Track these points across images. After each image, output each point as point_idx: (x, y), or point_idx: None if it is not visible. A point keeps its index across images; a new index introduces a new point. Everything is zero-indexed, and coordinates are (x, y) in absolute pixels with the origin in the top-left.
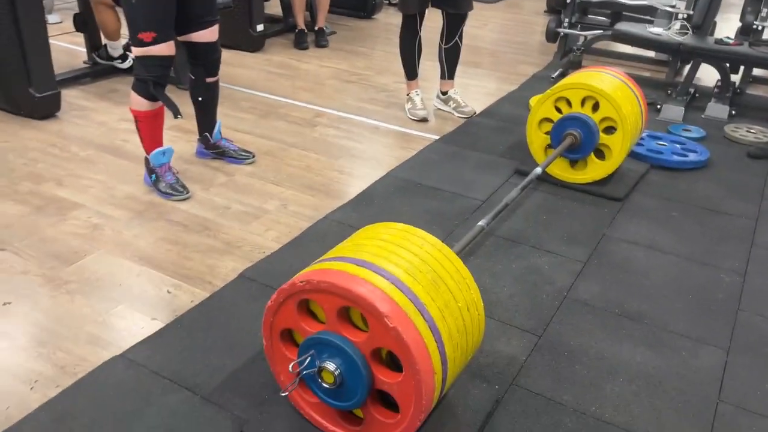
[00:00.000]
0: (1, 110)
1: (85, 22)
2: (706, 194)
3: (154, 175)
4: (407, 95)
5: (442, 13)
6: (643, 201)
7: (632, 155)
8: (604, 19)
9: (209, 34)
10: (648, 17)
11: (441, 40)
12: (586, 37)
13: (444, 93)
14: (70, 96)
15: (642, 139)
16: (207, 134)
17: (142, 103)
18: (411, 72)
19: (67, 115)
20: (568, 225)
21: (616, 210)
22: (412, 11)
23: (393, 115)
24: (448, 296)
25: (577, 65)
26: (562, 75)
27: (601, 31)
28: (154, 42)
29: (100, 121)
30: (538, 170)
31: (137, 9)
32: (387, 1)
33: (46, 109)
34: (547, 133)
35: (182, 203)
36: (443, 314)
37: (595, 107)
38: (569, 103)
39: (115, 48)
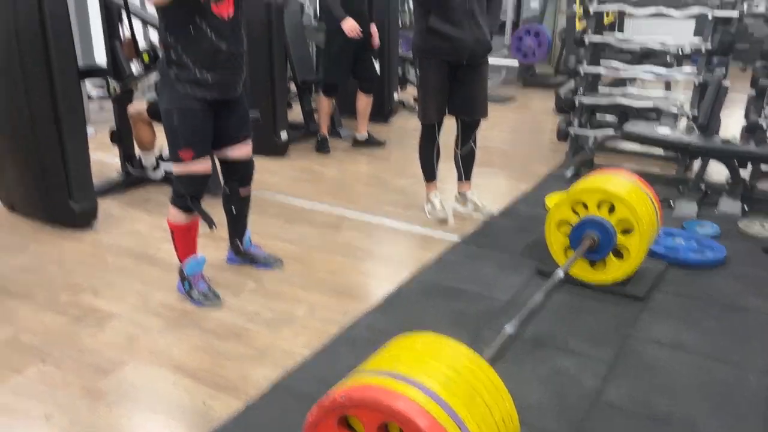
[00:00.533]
0: (40, 221)
1: (120, 136)
2: (725, 291)
3: (187, 283)
4: (427, 197)
5: (456, 119)
6: (664, 300)
7: (649, 253)
8: (611, 118)
9: (243, 150)
10: (654, 116)
11: (456, 145)
12: (596, 136)
13: (461, 194)
14: (105, 205)
15: (658, 236)
16: (238, 241)
17: (179, 216)
18: (430, 175)
19: (103, 225)
20: (592, 325)
21: (639, 309)
22: (432, 121)
23: (414, 216)
24: (484, 409)
25: (589, 164)
26: (576, 174)
27: (612, 131)
28: (193, 160)
29: (135, 230)
30: (560, 273)
31: (177, 130)
32: (402, 106)
33: (84, 219)
34: (566, 235)
35: (214, 310)
36: (481, 428)
37: (611, 209)
38: (586, 206)
39: (149, 159)
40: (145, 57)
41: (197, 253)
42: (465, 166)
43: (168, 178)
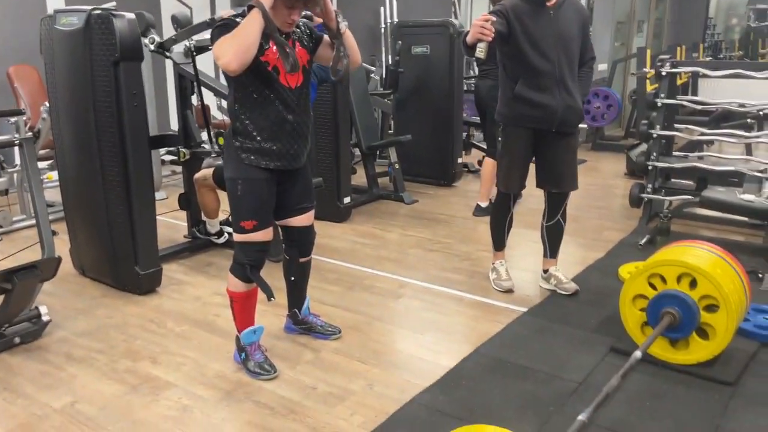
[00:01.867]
0: (106, 285)
1: (188, 201)
2: None
3: (243, 354)
4: (492, 265)
5: (545, 192)
6: (757, 385)
7: (738, 332)
8: (688, 182)
9: (306, 219)
10: (735, 180)
11: (543, 217)
12: (671, 202)
13: (545, 271)
14: (169, 270)
15: (747, 313)
16: (296, 310)
17: (238, 285)
18: (499, 244)
19: (166, 289)
20: (676, 413)
21: (728, 396)
22: (513, 191)
23: (477, 285)
24: None
25: (665, 232)
26: (650, 242)
27: (689, 197)
28: (255, 230)
29: (196, 296)
30: (638, 354)
31: (241, 200)
32: (466, 169)
33: (148, 285)
34: (642, 309)
35: (270, 382)
36: None
37: (693, 284)
38: (664, 280)
39: (213, 225)
40: (221, 140)
41: (255, 322)
42: (551, 240)
43: (230, 243)
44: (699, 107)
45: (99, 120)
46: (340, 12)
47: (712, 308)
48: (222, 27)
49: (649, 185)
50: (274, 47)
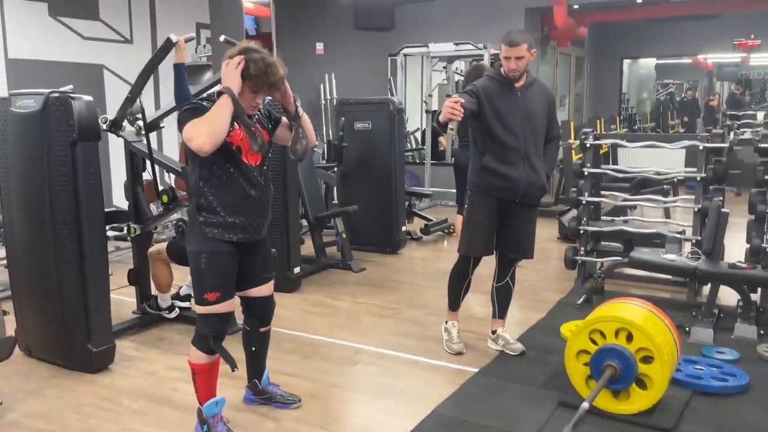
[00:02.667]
0: (55, 365)
1: (138, 277)
2: (754, 420)
3: (206, 426)
4: (445, 324)
5: (497, 255)
6: (692, 431)
7: (672, 382)
8: (617, 244)
9: (266, 290)
10: (658, 242)
11: (493, 279)
12: (602, 263)
13: (493, 332)
14: (120, 346)
15: (679, 364)
16: (256, 381)
17: (201, 357)
18: (454, 304)
19: (118, 366)
20: None
21: None
22: (476, 255)
23: (429, 348)
24: None
25: (600, 291)
26: (587, 301)
27: (618, 258)
28: (218, 301)
29: (150, 371)
30: (586, 405)
31: (205, 272)
32: (409, 237)
33: (101, 362)
34: (585, 364)
35: None
36: None
37: (629, 338)
38: (603, 335)
39: (165, 300)
40: (165, 198)
41: (217, 394)
42: (500, 302)
43: (182, 317)
44: (621, 175)
45: (54, 197)
46: (297, 96)
47: (647, 359)
48: (190, 110)
49: (582, 248)
50: (238, 128)
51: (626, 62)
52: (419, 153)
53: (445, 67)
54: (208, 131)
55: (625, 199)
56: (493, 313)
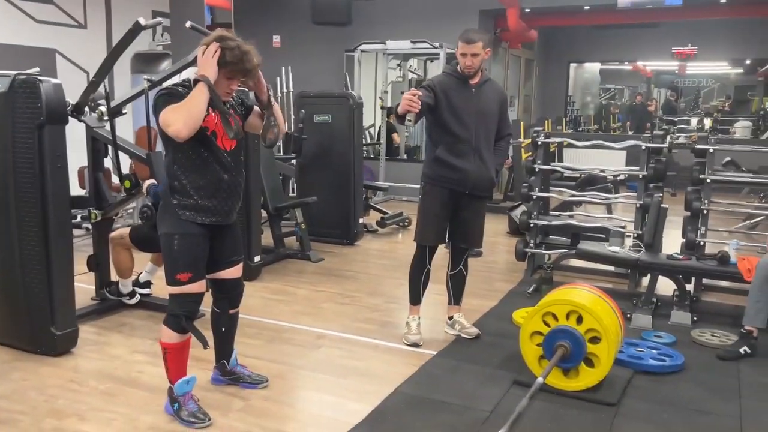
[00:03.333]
0: (15, 349)
1: (98, 263)
2: (689, 396)
3: (176, 404)
4: (407, 319)
5: (450, 245)
6: (634, 405)
7: (616, 362)
8: (563, 238)
9: (235, 271)
10: (602, 236)
11: (447, 267)
12: (549, 255)
13: (450, 318)
14: (82, 331)
15: (622, 346)
16: (224, 362)
17: (172, 336)
18: (414, 298)
19: (81, 350)
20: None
21: (612, 414)
22: (429, 243)
23: (390, 333)
24: None
25: (548, 281)
26: (536, 290)
27: (566, 250)
28: (190, 281)
29: (115, 355)
30: (540, 380)
31: (178, 253)
32: (365, 229)
33: (64, 346)
34: (538, 345)
35: (205, 430)
36: None
37: (579, 320)
38: (555, 318)
39: (126, 285)
40: (127, 183)
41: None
42: (455, 289)
43: (142, 303)
44: (568, 173)
45: (19, 181)
46: (270, 86)
47: (595, 340)
48: (167, 95)
49: (532, 241)
50: (212, 114)
51: (572, 66)
52: (374, 148)
53: (399, 65)
54: (185, 118)
55: (573, 195)
56: (449, 299)
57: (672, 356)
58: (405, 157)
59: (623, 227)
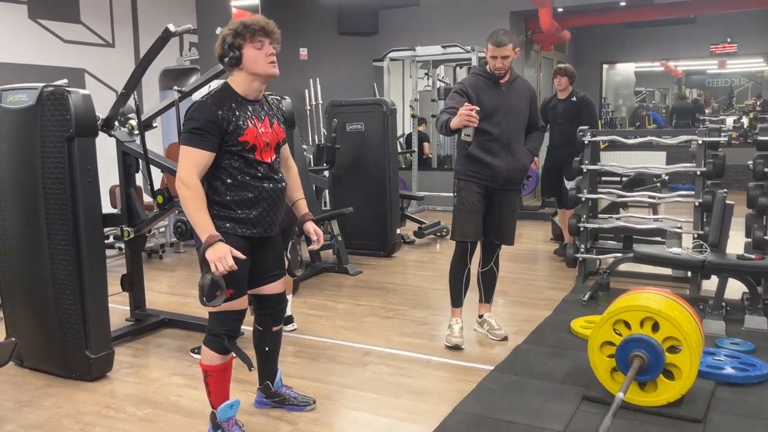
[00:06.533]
0: (48, 374)
1: (132, 282)
2: None
3: (220, 430)
4: (449, 321)
5: (481, 242)
6: (721, 420)
7: None
8: (614, 243)
9: (279, 286)
10: (657, 238)
11: (479, 265)
12: (600, 261)
13: (480, 317)
14: (118, 354)
15: None
16: (269, 383)
17: (214, 358)
18: (456, 300)
19: (117, 374)
20: None
21: None
22: (468, 239)
23: (440, 347)
24: None
25: (605, 287)
26: (592, 297)
27: (621, 254)
28: (232, 298)
29: (153, 378)
30: (621, 395)
31: None
32: (403, 240)
33: (99, 370)
34: (610, 356)
35: None
36: None
37: (655, 327)
38: (628, 326)
39: None
40: (159, 198)
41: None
42: (486, 286)
43: (175, 322)
44: (619, 173)
45: (48, 197)
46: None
47: (674, 349)
48: (197, 130)
49: (582, 246)
50: (251, 126)
51: (604, 68)
52: (405, 158)
53: (427, 73)
54: (185, 201)
55: (621, 196)
56: (480, 297)
57: (755, 365)
58: (436, 166)
59: (679, 228)
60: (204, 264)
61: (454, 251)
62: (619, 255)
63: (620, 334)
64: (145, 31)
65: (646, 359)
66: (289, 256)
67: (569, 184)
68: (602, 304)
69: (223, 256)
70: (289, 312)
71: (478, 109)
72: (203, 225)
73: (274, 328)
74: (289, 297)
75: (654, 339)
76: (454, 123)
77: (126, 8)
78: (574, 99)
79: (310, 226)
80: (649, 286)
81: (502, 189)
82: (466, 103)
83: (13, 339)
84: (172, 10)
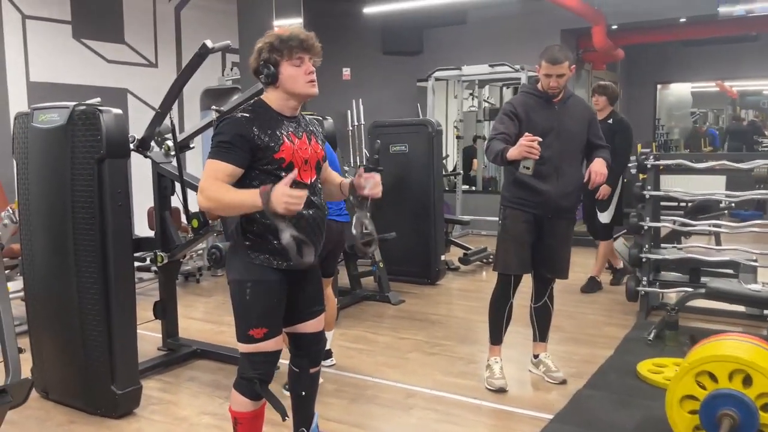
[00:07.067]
0: (73, 409)
1: (164, 310)
2: None
3: None
4: (487, 361)
5: (533, 275)
6: None
7: None
8: (678, 275)
9: (317, 324)
10: (729, 270)
11: (531, 300)
12: (662, 295)
13: (535, 356)
14: (146, 387)
15: None
16: (304, 429)
17: (244, 404)
18: (496, 337)
19: (144, 410)
20: None
21: None
22: (511, 271)
23: (491, 391)
24: None
25: (673, 325)
26: (658, 336)
27: (689, 289)
28: (265, 338)
29: (181, 417)
30: None
31: (251, 304)
32: (447, 267)
33: (126, 406)
34: (692, 412)
35: None
36: None
37: (746, 381)
38: (714, 378)
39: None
40: (194, 222)
41: None
42: (540, 323)
43: (208, 353)
44: (686, 199)
45: (77, 222)
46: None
47: None
48: (225, 143)
49: (644, 278)
50: (288, 141)
51: (658, 87)
52: (449, 180)
53: (472, 94)
54: (215, 201)
55: (685, 224)
56: (534, 336)
57: None
58: (481, 188)
59: (754, 260)
60: (278, 221)
61: (497, 283)
62: (688, 289)
63: (705, 388)
64: (188, 50)
65: (737, 419)
66: (354, 230)
67: (602, 217)
68: (670, 345)
69: (283, 194)
70: (328, 345)
71: (540, 140)
72: (242, 197)
73: (312, 370)
74: (330, 333)
75: (746, 395)
76: (512, 154)
77: (169, 28)
78: (610, 121)
79: (357, 178)
80: (733, 332)
81: (553, 217)
82: (527, 134)
83: (30, 377)
84: (215, 30)
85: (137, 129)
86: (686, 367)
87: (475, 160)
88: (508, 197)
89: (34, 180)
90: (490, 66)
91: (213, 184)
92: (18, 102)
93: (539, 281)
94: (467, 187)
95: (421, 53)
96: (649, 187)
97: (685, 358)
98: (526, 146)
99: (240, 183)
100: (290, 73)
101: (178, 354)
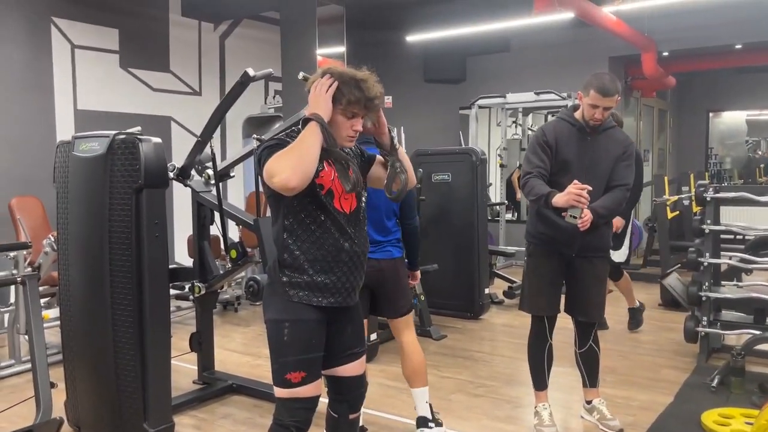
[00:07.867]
0: None
1: (201, 342)
2: None
3: None
4: (535, 408)
5: (573, 318)
6: None
7: None
8: (741, 314)
9: (358, 366)
10: None
11: (575, 345)
12: (723, 336)
13: (588, 402)
14: (179, 424)
15: None
16: None
17: None
18: (539, 382)
19: None
20: None
21: None
22: (538, 313)
23: None
24: None
25: (739, 372)
26: (722, 382)
27: (755, 332)
28: (303, 383)
29: None
30: None
31: (288, 346)
32: (491, 300)
33: None
34: None
35: None
36: None
37: None
38: None
39: None
40: (233, 253)
41: None
42: (587, 368)
43: (244, 389)
44: (748, 234)
45: (114, 251)
46: (392, 127)
47: None
48: (272, 147)
49: (704, 318)
50: (327, 168)
51: (710, 116)
52: (492, 209)
53: (515, 121)
54: (293, 164)
55: (747, 260)
56: (583, 381)
57: None
58: (525, 218)
59: None
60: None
61: (531, 326)
62: (753, 331)
63: None
64: (232, 78)
65: None
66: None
67: (615, 255)
68: (736, 392)
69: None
70: (422, 412)
71: (590, 188)
72: (302, 136)
73: (351, 416)
74: (422, 391)
75: None
76: (559, 202)
77: (214, 57)
78: None
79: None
80: None
81: (581, 256)
82: (575, 181)
83: (58, 417)
84: (259, 58)
85: (180, 157)
86: (763, 427)
87: (518, 190)
88: (532, 232)
89: (73, 209)
90: (535, 94)
91: (276, 158)
92: (65, 130)
93: (578, 326)
94: (510, 216)
95: (464, 81)
96: (708, 221)
97: (760, 410)
98: (576, 195)
99: (284, 210)
100: (336, 121)
101: (214, 389)
